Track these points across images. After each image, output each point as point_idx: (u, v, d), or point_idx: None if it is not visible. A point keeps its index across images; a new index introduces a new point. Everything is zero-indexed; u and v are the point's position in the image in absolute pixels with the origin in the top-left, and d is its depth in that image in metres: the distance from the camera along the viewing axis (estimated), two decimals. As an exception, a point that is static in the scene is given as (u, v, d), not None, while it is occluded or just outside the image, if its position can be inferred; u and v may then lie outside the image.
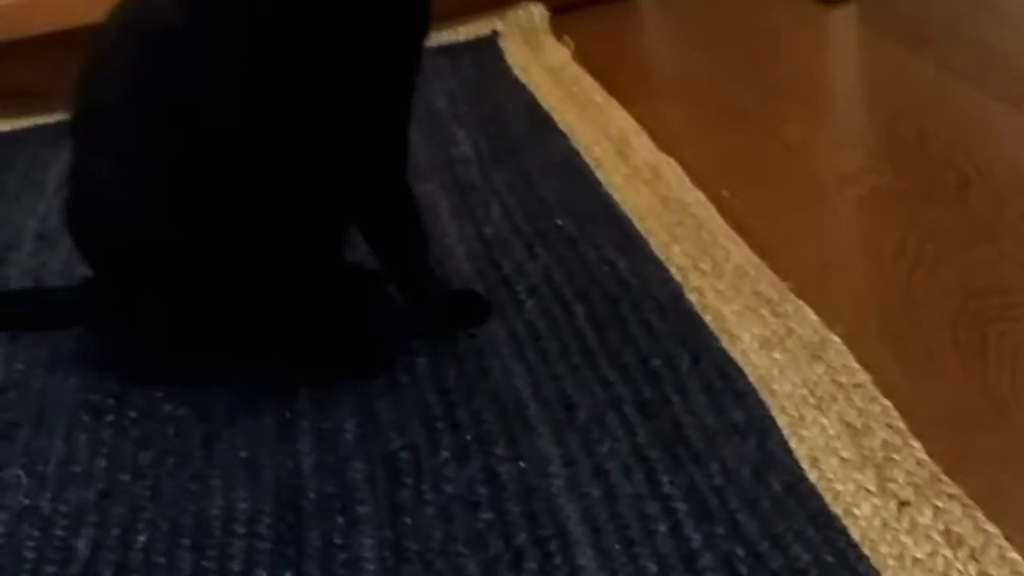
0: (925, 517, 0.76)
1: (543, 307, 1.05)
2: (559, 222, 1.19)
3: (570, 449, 0.87)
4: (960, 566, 0.72)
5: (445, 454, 0.89)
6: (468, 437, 0.90)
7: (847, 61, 1.65)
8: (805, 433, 0.85)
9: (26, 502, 0.90)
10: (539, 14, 1.78)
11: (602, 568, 0.76)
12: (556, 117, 1.45)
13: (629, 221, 1.18)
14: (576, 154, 1.34)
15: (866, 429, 0.85)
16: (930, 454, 0.81)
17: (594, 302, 1.05)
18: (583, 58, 1.61)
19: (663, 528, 0.79)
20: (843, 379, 0.90)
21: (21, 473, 0.93)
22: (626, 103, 1.45)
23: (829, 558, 0.74)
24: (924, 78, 1.43)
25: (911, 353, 0.95)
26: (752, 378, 0.92)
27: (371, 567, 0.79)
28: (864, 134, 1.35)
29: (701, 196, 1.20)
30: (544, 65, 1.62)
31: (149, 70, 0.92)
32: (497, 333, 1.02)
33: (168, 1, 0.91)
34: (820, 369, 0.92)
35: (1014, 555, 0.72)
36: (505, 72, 1.62)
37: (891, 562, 0.73)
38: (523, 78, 1.59)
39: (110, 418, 0.99)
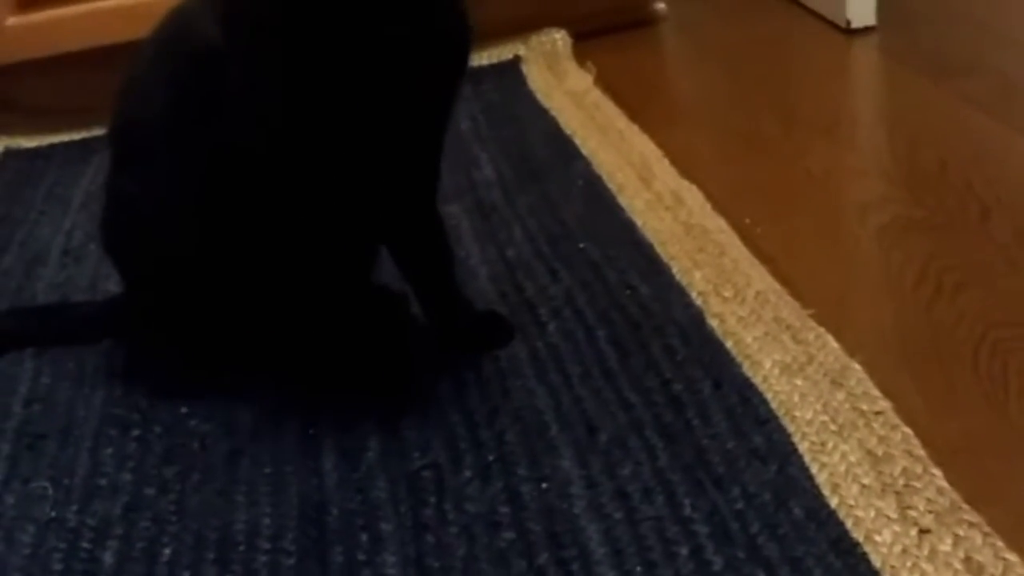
0: (945, 545, 0.77)
1: (565, 329, 1.06)
2: (581, 246, 1.20)
3: (592, 471, 0.88)
4: (981, 594, 0.73)
5: (468, 473, 0.89)
6: (491, 457, 0.91)
7: (868, 90, 1.66)
8: (826, 459, 0.86)
9: (53, 514, 0.91)
10: (562, 40, 1.79)
11: (624, 590, 0.77)
12: (578, 142, 1.46)
13: (651, 246, 1.19)
14: (598, 179, 1.35)
15: (887, 456, 0.85)
16: (950, 482, 0.82)
17: (616, 326, 1.06)
18: (605, 84, 1.62)
19: (684, 551, 0.79)
20: (864, 406, 0.91)
21: (48, 485, 0.94)
22: (648, 129, 1.46)
23: (850, 584, 0.75)
24: (945, 108, 1.44)
25: (932, 381, 0.95)
26: (773, 404, 0.93)
27: (394, 584, 0.80)
28: (885, 163, 1.36)
29: (723, 223, 1.21)
30: (566, 90, 1.64)
31: (187, 89, 0.94)
32: (520, 355, 1.03)
33: (210, 21, 0.92)
34: (841, 396, 0.92)
35: (1034, 584, 0.73)
36: (528, 96, 1.64)
37: (912, 589, 0.74)
38: (545, 103, 1.60)
39: (136, 432, 1.00)
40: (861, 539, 0.78)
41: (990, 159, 1.31)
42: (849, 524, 0.80)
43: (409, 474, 0.90)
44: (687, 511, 0.83)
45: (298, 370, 1.01)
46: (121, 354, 1.11)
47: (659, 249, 1.18)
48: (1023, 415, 0.90)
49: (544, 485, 0.87)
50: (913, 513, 0.80)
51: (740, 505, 0.82)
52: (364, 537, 0.85)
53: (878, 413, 0.90)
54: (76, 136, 1.70)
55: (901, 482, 0.83)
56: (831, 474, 0.85)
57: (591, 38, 1.79)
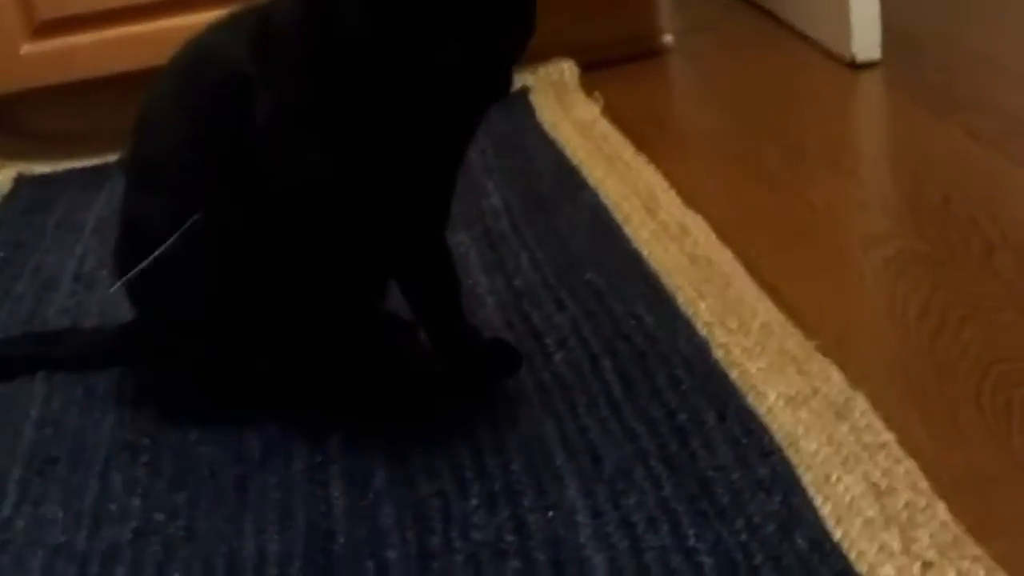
0: (949, 578, 0.77)
1: (571, 359, 1.07)
2: (587, 276, 1.21)
3: (597, 500, 0.89)
4: (983, 628, 0.73)
5: (474, 502, 0.90)
6: (497, 485, 0.91)
7: (873, 124, 1.68)
8: (830, 491, 0.86)
9: (62, 538, 0.91)
10: (569, 70, 1.81)
11: (628, 619, 0.77)
12: (585, 172, 1.47)
13: (656, 277, 1.19)
14: (604, 209, 1.36)
15: (891, 489, 0.86)
16: (955, 515, 0.82)
17: (621, 356, 1.07)
18: (612, 114, 1.64)
19: (689, 581, 0.80)
20: (868, 439, 0.91)
21: (58, 509, 0.95)
22: (654, 159, 1.47)
23: (853, 616, 0.75)
24: (950, 143, 1.46)
25: (936, 415, 0.96)
26: (778, 435, 0.93)
27: (400, 612, 0.81)
28: (890, 197, 1.37)
29: (728, 254, 1.22)
30: (574, 121, 1.65)
31: (211, 117, 0.94)
32: (526, 383, 1.04)
33: (242, 49, 0.92)
34: (845, 428, 0.93)
35: (1037, 618, 0.73)
36: (535, 127, 1.65)
37: (915, 622, 0.74)
38: (553, 133, 1.62)
39: (145, 458, 1.01)
40: (864, 572, 0.79)
41: (994, 194, 1.32)
42: (853, 557, 0.80)
43: (416, 502, 0.91)
44: (691, 541, 0.83)
45: (308, 397, 1.02)
46: (131, 380, 1.12)
47: (664, 279, 1.19)
48: (1026, 449, 0.90)
49: (550, 514, 0.88)
50: (916, 547, 0.80)
51: (744, 536, 0.83)
52: (370, 564, 0.85)
53: (882, 445, 0.90)
54: (89, 163, 1.72)
55: (905, 515, 0.83)
56: (835, 506, 0.85)
57: (599, 69, 1.81)
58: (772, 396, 0.98)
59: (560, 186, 1.45)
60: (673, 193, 1.38)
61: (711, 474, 0.90)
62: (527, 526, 0.87)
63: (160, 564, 0.88)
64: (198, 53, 0.98)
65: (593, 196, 1.40)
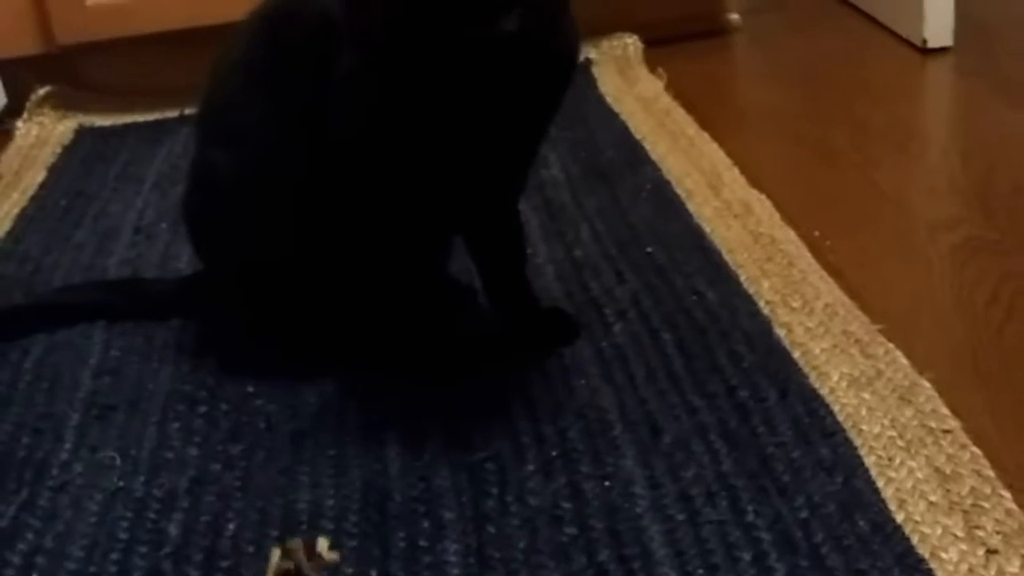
0: (1013, 566, 0.76)
1: (631, 331, 1.06)
2: (648, 249, 1.20)
3: (655, 472, 0.88)
4: (1049, 618, 0.72)
5: (530, 467, 0.90)
6: (554, 452, 0.91)
7: (942, 110, 1.65)
8: (893, 475, 0.85)
9: (120, 484, 0.92)
10: (633, 45, 1.79)
11: (685, 591, 0.77)
12: (647, 147, 1.46)
13: (719, 253, 1.18)
14: (667, 184, 1.35)
15: (955, 475, 0.85)
16: (1020, 504, 0.81)
17: (682, 330, 1.06)
18: (676, 91, 1.62)
19: (747, 556, 0.79)
20: (933, 424, 0.90)
21: (116, 455, 0.95)
22: (718, 137, 1.46)
23: (915, 599, 0.74)
24: (1021, 132, 1.43)
25: (1002, 403, 0.94)
26: (840, 416, 0.92)
27: (455, 572, 0.81)
28: (958, 183, 1.34)
29: (792, 234, 1.21)
30: (637, 95, 1.64)
31: (295, 59, 0.94)
32: (584, 353, 1.04)
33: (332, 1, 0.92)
34: (909, 412, 0.92)
35: (1105, 611, 0.72)
36: (598, 100, 1.64)
37: (978, 608, 0.73)
38: (615, 107, 1.60)
39: (203, 409, 1.01)
40: (927, 556, 0.78)
41: (1066, 185, 1.29)
42: (915, 540, 0.79)
43: (471, 465, 0.91)
44: (750, 517, 0.82)
45: (366, 353, 1.02)
46: (190, 332, 1.13)
47: (727, 257, 1.18)
48: (1094, 442, 0.89)
49: (607, 483, 0.87)
50: (980, 533, 0.79)
51: (805, 514, 0.82)
52: (426, 524, 0.85)
53: (947, 431, 0.89)
54: (150, 117, 1.72)
55: (969, 501, 0.82)
56: (897, 489, 0.84)
57: (663, 45, 1.79)
58: (835, 377, 0.97)
59: (622, 159, 1.44)
60: (736, 171, 1.36)
61: (772, 451, 0.89)
62: (583, 494, 0.86)
63: (216, 513, 0.88)
64: (287, 2, 0.99)
65: (655, 171, 1.39)
